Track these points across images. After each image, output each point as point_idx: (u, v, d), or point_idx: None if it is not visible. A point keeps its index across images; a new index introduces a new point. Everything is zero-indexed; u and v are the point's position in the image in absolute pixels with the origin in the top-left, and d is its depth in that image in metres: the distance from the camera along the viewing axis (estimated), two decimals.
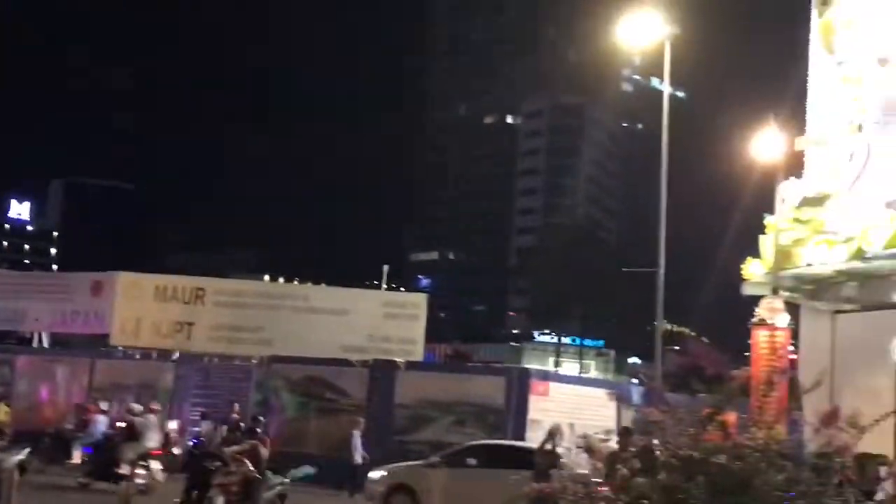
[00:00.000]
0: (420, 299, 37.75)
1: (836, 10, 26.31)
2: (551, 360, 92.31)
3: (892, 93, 24.77)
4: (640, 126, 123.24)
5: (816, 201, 25.82)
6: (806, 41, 28.33)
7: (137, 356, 37.29)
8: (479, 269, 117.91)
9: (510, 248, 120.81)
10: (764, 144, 24.76)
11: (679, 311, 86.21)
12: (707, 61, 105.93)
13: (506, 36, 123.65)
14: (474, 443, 25.23)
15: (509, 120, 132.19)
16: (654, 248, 27.48)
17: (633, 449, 7.88)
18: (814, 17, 27.75)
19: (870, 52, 25.33)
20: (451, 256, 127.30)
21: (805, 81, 28.23)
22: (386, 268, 41.55)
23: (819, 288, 26.20)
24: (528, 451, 22.93)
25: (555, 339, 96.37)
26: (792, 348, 28.07)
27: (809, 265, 25.45)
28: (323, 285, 51.51)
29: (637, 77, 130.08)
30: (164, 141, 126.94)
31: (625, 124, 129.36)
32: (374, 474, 24.67)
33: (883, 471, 7.23)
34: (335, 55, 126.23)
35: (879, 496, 7.26)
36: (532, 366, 70.88)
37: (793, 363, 26.62)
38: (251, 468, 18.59)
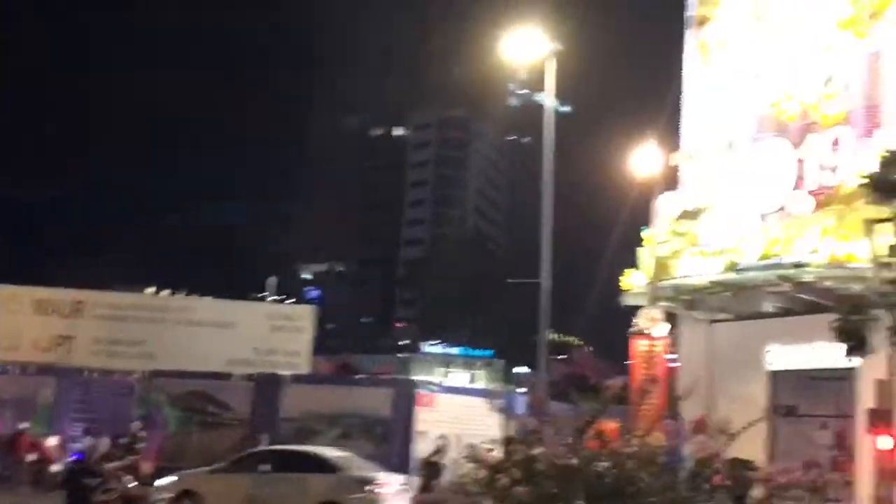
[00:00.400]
0: (307, 311, 37.53)
1: (710, 30, 27.29)
2: (440, 370, 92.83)
3: (764, 109, 25.80)
4: (526, 139, 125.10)
5: (692, 214, 26.67)
6: (682, 60, 29.29)
7: (17, 371, 36.13)
8: (368, 280, 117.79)
9: (399, 260, 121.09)
10: (643, 159, 25.47)
11: (565, 321, 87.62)
12: (591, 77, 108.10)
13: (393, 48, 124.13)
14: (263, 448, 25.72)
15: (397, 132, 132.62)
16: (540, 258, 27.96)
17: (515, 458, 8.04)
18: (689, 36, 28.73)
19: (743, 71, 26.34)
20: (340, 268, 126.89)
21: (681, 98, 29.18)
22: (273, 280, 41.22)
23: (695, 298, 27.06)
24: (318, 457, 23.39)
25: (443, 350, 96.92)
26: (672, 357, 28.90)
27: (686, 276, 26.27)
28: (208, 298, 50.89)
29: (523, 91, 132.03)
30: (43, 142, 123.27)
31: (511, 137, 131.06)
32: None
33: (752, 475, 7.53)
34: (221, 68, 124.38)
35: (749, 500, 7.58)
36: (419, 377, 71.01)
37: (673, 371, 27.42)
38: (131, 484, 18.25)
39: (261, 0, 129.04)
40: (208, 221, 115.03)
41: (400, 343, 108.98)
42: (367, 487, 22.36)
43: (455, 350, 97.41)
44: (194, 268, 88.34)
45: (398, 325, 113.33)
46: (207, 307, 39.41)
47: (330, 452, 24.01)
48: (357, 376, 47.09)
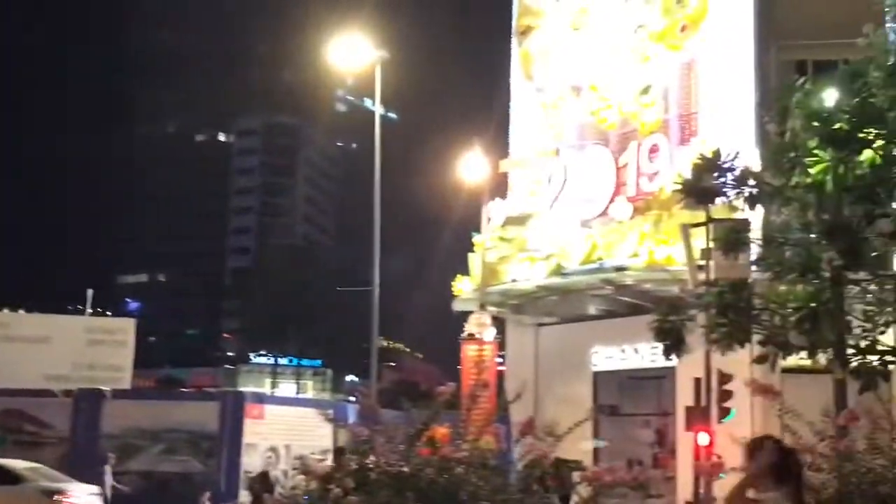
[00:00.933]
0: (127, 324, 36.20)
1: (533, 41, 27.90)
2: (268, 381, 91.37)
3: (586, 118, 26.55)
4: (354, 146, 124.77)
5: (519, 220, 27.20)
6: (508, 69, 29.83)
7: None
8: (192, 290, 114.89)
9: (225, 269, 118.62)
10: (471, 166, 25.73)
11: (395, 328, 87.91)
12: (420, 84, 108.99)
13: (217, 52, 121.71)
14: None
15: (222, 138, 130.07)
16: (370, 266, 27.88)
17: (347, 468, 7.90)
18: (514, 46, 29.29)
19: (565, 80, 27.04)
20: (162, 278, 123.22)
21: (508, 107, 29.70)
22: (90, 292, 39.54)
23: (523, 302, 27.59)
24: (1, 469, 22.78)
25: (271, 361, 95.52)
26: (500, 360, 29.29)
27: (514, 281, 26.75)
28: (21, 311, 48.51)
29: (350, 97, 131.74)
30: None
31: (340, 144, 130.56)
32: None
33: (576, 475, 7.63)
34: (41, 67, 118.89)
35: (574, 499, 7.67)
36: (247, 388, 69.69)
37: (502, 375, 27.82)
38: None
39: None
40: (24, 230, 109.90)
41: (227, 355, 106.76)
42: (55, 498, 21.91)
43: (283, 360, 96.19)
44: (12, 280, 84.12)
45: (225, 336, 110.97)
46: (22, 322, 37.53)
47: (14, 464, 23.31)
48: (182, 390, 45.83)
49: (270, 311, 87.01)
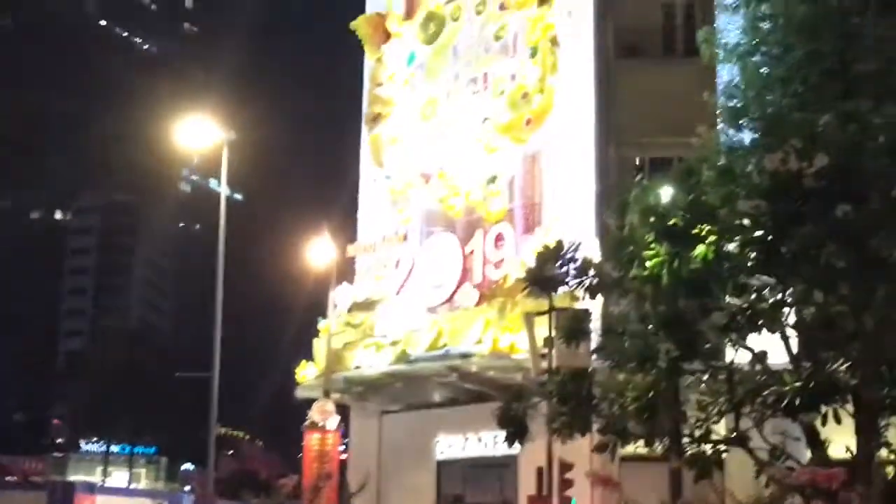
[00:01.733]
0: None
1: (384, 128, 28.25)
2: (99, 469, 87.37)
3: (434, 205, 26.90)
4: (197, 227, 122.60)
5: (366, 306, 27.15)
6: (357, 154, 30.04)
7: None
8: (20, 374, 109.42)
9: (56, 352, 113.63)
10: (318, 250, 25.62)
11: (235, 415, 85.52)
12: (266, 167, 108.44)
13: (55, 128, 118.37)
14: None
15: (59, 216, 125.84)
16: (210, 351, 27.17)
17: None
18: (364, 132, 29.57)
19: (414, 167, 27.41)
20: None
21: (356, 192, 29.84)
22: None
23: (368, 389, 27.36)
24: None
25: (103, 448, 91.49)
26: (344, 448, 28.85)
27: (359, 367, 26.57)
28: None
29: (195, 177, 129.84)
30: None
31: (182, 224, 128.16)
32: None
33: None
34: None
35: None
36: (78, 477, 66.48)
37: (345, 464, 27.39)
38: None
39: None
40: None
41: (56, 441, 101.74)
42: None
43: (115, 448, 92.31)
44: None
45: (54, 421, 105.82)
46: None
47: None
48: (7, 478, 43.21)
49: (103, 396, 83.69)
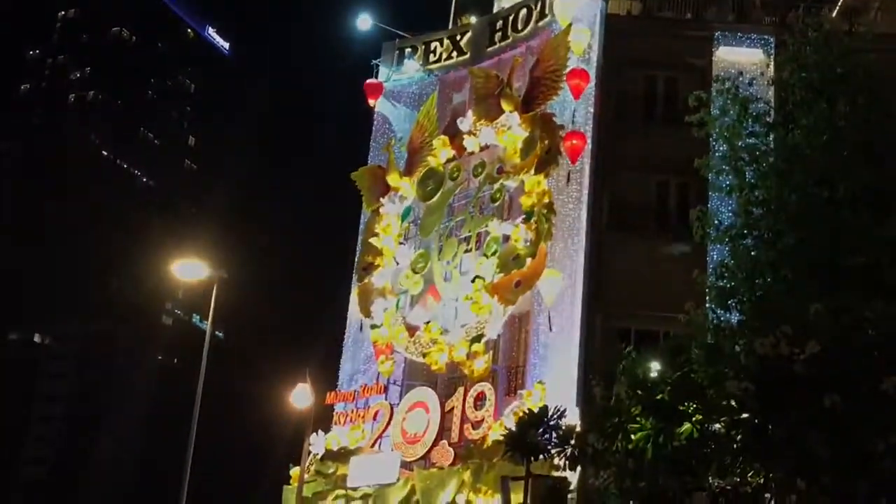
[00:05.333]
0: None
1: (374, 278, 28.42)
2: None
3: (416, 358, 26.79)
4: (175, 361, 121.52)
5: (339, 456, 26.69)
6: (345, 301, 30.13)
7: None
8: None
9: (16, 481, 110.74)
10: (297, 395, 25.35)
11: None
12: (248, 307, 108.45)
13: (40, 251, 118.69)
14: None
15: (36, 339, 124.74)
16: (177, 490, 26.58)
17: None
18: (354, 280, 29.74)
19: (400, 320, 27.45)
20: None
21: (341, 339, 29.78)
22: None
23: None
24: None
25: None
26: None
27: None
28: None
29: (178, 312, 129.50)
30: None
31: (160, 357, 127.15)
32: None
33: None
34: None
35: None
36: None
37: None
38: None
39: None
40: None
41: None
42: None
43: None
44: None
45: None
46: None
47: None
48: None
49: None
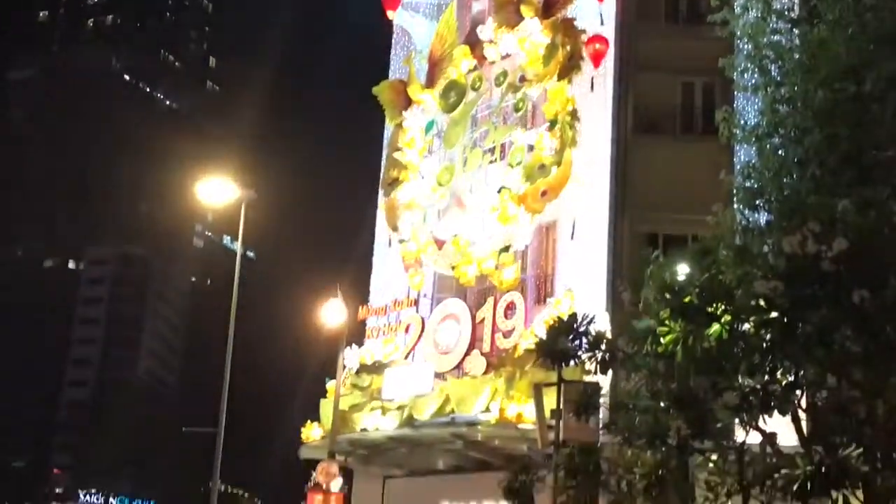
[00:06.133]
0: None
1: (400, 193, 28.45)
2: None
3: (445, 272, 26.95)
4: (209, 282, 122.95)
5: (374, 369, 27.06)
6: (373, 217, 30.22)
7: None
8: (21, 422, 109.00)
9: (60, 401, 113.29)
10: (330, 311, 25.62)
11: (238, 473, 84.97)
12: (279, 226, 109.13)
13: (70, 178, 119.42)
14: None
15: (72, 265, 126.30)
16: (216, 407, 27.11)
17: None
18: (380, 196, 29.78)
19: (428, 233, 27.53)
20: None
21: (370, 254, 29.96)
22: None
23: (372, 452, 27.15)
24: None
25: (101, 500, 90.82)
26: None
27: (364, 430, 26.41)
28: None
29: (208, 233, 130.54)
30: None
31: (193, 279, 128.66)
32: None
33: None
34: None
35: None
36: None
37: None
38: None
39: None
40: None
41: (55, 491, 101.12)
42: None
43: (114, 501, 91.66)
44: None
45: (55, 471, 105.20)
46: None
47: None
48: None
49: (106, 448, 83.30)
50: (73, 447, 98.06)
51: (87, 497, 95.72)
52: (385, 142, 29.09)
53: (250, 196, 24.59)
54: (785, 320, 9.11)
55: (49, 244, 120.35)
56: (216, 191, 24.63)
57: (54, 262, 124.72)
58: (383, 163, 28.80)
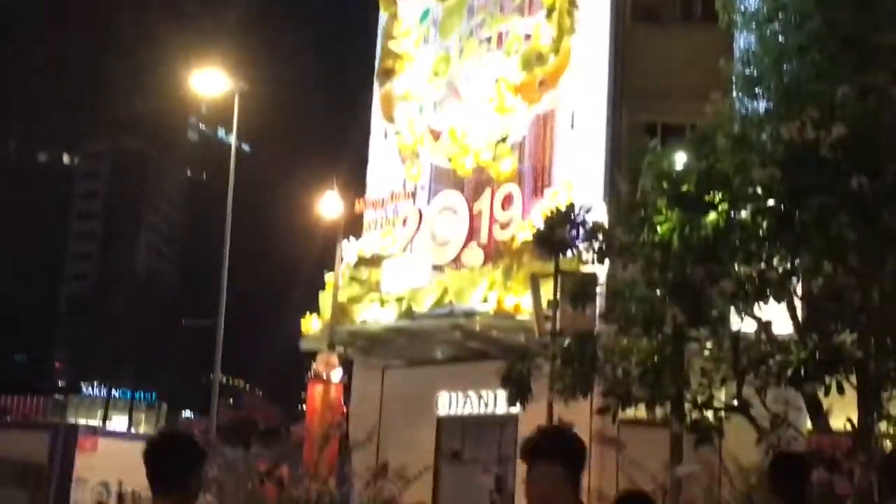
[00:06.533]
0: None
1: (395, 83, 28.13)
2: (99, 413, 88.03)
3: (442, 163, 26.84)
4: (204, 176, 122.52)
5: (372, 261, 27.19)
6: (368, 108, 29.94)
7: None
8: (21, 315, 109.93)
9: (60, 295, 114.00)
10: (326, 204, 25.61)
11: (237, 364, 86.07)
12: (275, 118, 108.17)
13: (66, 70, 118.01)
14: None
15: (66, 160, 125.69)
16: (215, 300, 27.31)
17: None
18: (375, 87, 29.44)
19: (424, 124, 27.32)
20: None
21: (366, 146, 29.78)
22: None
23: (372, 344, 27.46)
24: None
25: (103, 392, 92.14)
26: (346, 403, 28.98)
27: (364, 322, 26.67)
28: None
29: (204, 127, 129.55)
30: None
31: (189, 173, 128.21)
32: None
33: None
34: None
35: None
36: (79, 421, 67.06)
37: (345, 417, 27.57)
38: None
39: None
40: None
41: (57, 384, 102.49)
42: None
43: (116, 393, 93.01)
44: None
45: (57, 364, 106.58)
46: None
47: None
48: (7, 418, 43.65)
49: (106, 341, 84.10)
50: (74, 341, 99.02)
51: (90, 390, 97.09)
52: (379, 31, 28.62)
53: (243, 87, 24.34)
54: (782, 207, 9.11)
55: (42, 139, 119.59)
56: (209, 82, 24.36)
57: (48, 157, 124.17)
58: (378, 53, 28.39)
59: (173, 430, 4.69)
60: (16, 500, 24.50)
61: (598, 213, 13.12)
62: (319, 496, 7.03)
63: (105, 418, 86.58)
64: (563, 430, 4.05)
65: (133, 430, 77.12)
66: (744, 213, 9.51)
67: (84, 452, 25.16)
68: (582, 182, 22.11)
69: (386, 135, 27.91)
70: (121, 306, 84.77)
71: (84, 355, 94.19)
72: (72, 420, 71.98)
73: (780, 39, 12.47)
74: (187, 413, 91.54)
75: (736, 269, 9.63)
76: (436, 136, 26.02)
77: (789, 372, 8.62)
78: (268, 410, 15.03)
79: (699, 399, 10.36)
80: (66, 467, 24.70)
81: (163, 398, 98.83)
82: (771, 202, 9.09)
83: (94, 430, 30.07)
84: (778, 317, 10.09)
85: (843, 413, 9.63)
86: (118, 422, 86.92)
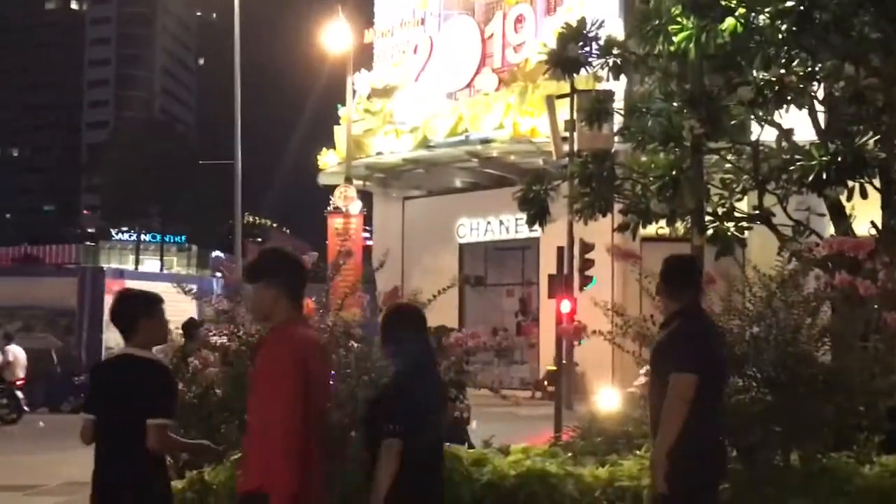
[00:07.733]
0: None
1: None
2: (131, 258, 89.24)
3: None
4: (214, 16, 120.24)
5: (385, 92, 26.79)
6: None
7: None
8: (47, 166, 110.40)
9: (81, 143, 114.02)
10: (334, 36, 25.05)
11: (257, 202, 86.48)
12: None
13: None
14: None
15: (74, 5, 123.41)
16: (231, 139, 27.12)
17: (204, 340, 7.74)
18: None
19: None
20: (15, 153, 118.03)
21: None
22: None
23: (389, 175, 27.41)
24: None
25: (133, 237, 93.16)
26: (367, 234, 29.16)
27: (380, 154, 26.50)
28: None
29: None
30: None
31: (199, 13, 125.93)
32: None
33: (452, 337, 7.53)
34: None
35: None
36: (109, 265, 68.00)
37: (368, 247, 27.78)
38: None
39: None
40: None
41: (87, 231, 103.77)
42: None
43: (146, 237, 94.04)
44: None
45: (84, 212, 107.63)
46: None
47: None
48: (38, 266, 44.26)
49: (130, 186, 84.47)
50: (99, 188, 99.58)
51: (120, 235, 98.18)
52: None
53: None
54: (801, 8, 8.69)
55: None
56: None
57: (56, 4, 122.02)
58: None
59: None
60: (49, 343, 25.07)
61: (613, 28, 12.65)
62: (336, 324, 6.98)
63: (137, 262, 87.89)
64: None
65: (164, 272, 78.35)
66: (762, 17, 9.11)
67: (112, 295, 25.56)
68: None
69: None
70: (141, 151, 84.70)
71: (110, 202, 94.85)
72: (104, 265, 73.01)
73: None
74: (217, 253, 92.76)
75: (754, 75, 9.29)
76: None
77: (811, 178, 8.40)
78: (294, 246, 15.03)
79: (720, 211, 10.19)
80: (96, 310, 25.11)
81: (192, 240, 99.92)
82: (790, 3, 8.68)
83: (121, 273, 30.48)
84: (799, 124, 9.81)
85: (866, 217, 9.45)
86: (150, 265, 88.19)
